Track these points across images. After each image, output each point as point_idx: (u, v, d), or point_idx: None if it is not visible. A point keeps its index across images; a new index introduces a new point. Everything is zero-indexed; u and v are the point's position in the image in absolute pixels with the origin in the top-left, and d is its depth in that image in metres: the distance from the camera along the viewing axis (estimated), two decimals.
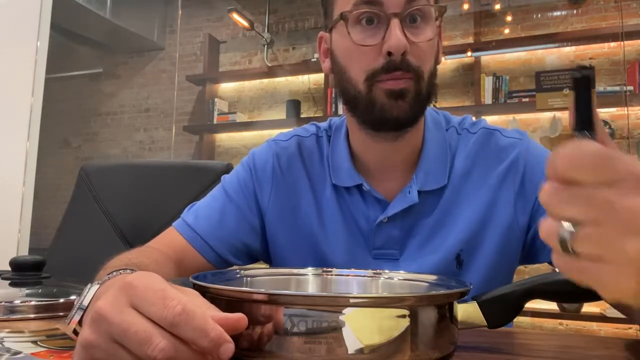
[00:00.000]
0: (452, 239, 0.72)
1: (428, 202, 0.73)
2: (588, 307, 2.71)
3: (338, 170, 0.77)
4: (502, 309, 0.47)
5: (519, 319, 2.77)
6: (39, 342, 0.48)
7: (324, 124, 0.85)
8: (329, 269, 0.63)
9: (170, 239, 0.79)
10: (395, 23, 0.64)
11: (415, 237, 0.73)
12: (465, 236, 0.71)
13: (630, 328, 2.67)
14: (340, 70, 0.71)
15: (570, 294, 0.47)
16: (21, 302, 0.64)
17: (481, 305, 0.47)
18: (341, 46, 0.70)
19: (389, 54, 0.65)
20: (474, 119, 0.81)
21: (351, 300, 0.41)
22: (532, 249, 0.73)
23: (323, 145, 0.81)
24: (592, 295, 0.46)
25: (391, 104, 0.66)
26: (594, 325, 2.76)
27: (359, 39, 0.66)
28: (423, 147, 0.75)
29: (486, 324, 0.47)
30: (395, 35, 0.63)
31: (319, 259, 0.75)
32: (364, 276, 0.64)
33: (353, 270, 0.65)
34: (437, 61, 0.71)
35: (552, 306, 2.76)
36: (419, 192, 0.72)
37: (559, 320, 2.81)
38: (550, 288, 0.47)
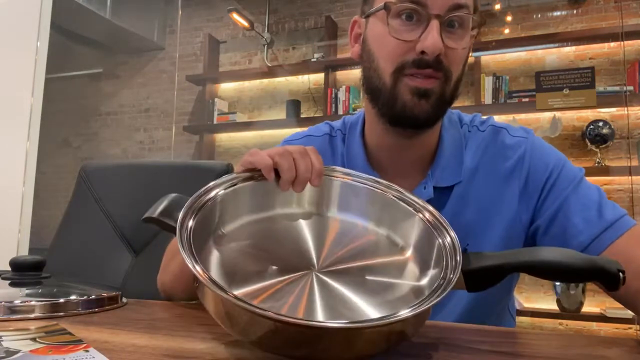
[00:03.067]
0: (460, 234, 0.72)
1: (441, 198, 0.74)
2: (588, 307, 2.71)
3: (353, 167, 0.78)
4: (483, 279, 0.49)
5: (519, 319, 2.77)
6: (37, 339, 0.48)
7: (337, 123, 0.86)
8: (332, 168, 0.62)
9: None
10: (434, 24, 0.64)
11: None
12: (472, 231, 0.73)
13: (630, 328, 2.67)
14: (370, 58, 0.71)
15: (552, 273, 0.48)
16: (21, 302, 0.64)
17: (465, 275, 0.48)
18: (376, 34, 0.70)
19: (423, 52, 0.65)
20: (483, 117, 0.82)
21: (326, 330, 0.40)
22: (533, 244, 0.74)
23: (336, 144, 0.82)
24: (572, 277, 0.48)
25: (414, 102, 0.67)
26: (594, 325, 2.76)
27: (396, 32, 0.67)
28: (439, 145, 0.76)
29: (466, 288, 0.49)
30: (433, 37, 0.64)
31: None
32: (361, 184, 0.61)
33: (362, 175, 0.62)
34: (464, 68, 0.72)
35: (552, 306, 2.76)
36: (434, 187, 0.73)
37: (559, 320, 2.80)
38: (533, 265, 0.48)
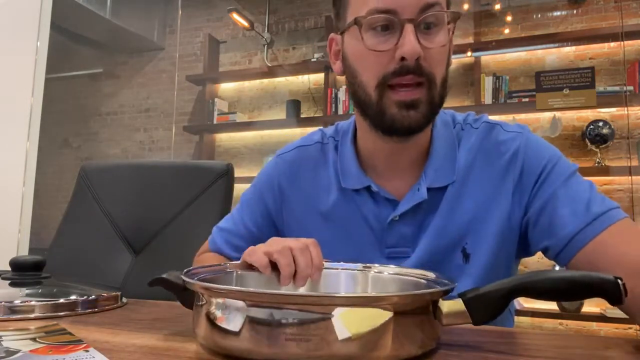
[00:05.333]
0: (458, 233, 0.73)
1: (436, 199, 0.74)
2: (588, 307, 2.71)
3: (347, 173, 0.78)
4: (486, 307, 0.48)
5: (519, 319, 2.77)
6: (37, 339, 0.48)
7: (329, 130, 0.86)
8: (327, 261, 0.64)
9: (205, 253, 0.90)
10: (409, 29, 0.64)
11: (425, 234, 0.74)
12: (469, 229, 0.72)
13: (630, 328, 2.67)
14: (352, 74, 0.71)
15: (553, 293, 0.47)
16: (21, 302, 0.64)
17: (466, 303, 0.48)
18: (353, 50, 0.70)
19: (402, 59, 0.65)
20: (476, 115, 0.81)
21: (335, 301, 0.42)
22: (525, 238, 0.74)
23: (328, 151, 0.83)
24: (573, 295, 0.47)
25: (402, 115, 0.67)
26: (594, 325, 2.76)
27: (372, 44, 0.66)
28: (431, 146, 0.76)
29: (471, 320, 0.48)
30: (410, 42, 0.64)
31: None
32: (354, 269, 0.64)
33: (342, 263, 0.65)
34: (448, 64, 0.71)
35: (552, 306, 2.76)
36: (427, 189, 0.73)
37: (559, 320, 2.81)
38: (533, 286, 0.47)
